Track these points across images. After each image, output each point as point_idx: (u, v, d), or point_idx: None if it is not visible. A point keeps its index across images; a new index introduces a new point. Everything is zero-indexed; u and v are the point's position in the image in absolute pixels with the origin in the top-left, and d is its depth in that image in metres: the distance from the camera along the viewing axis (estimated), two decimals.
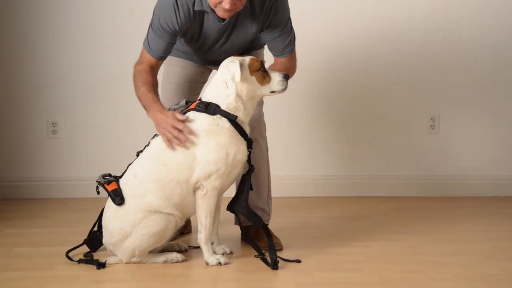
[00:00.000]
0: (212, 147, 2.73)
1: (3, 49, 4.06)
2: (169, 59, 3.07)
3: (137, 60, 2.94)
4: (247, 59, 2.80)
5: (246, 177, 2.88)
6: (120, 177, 2.86)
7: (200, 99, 2.84)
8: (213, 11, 2.81)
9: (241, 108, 2.79)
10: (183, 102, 2.88)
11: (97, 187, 2.87)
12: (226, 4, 2.70)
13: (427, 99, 4.23)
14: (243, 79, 2.74)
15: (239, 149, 2.79)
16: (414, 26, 4.16)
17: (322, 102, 4.18)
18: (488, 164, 4.30)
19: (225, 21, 2.85)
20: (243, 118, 2.81)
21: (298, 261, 2.88)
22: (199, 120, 2.77)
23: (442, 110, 4.24)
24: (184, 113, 2.81)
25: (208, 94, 2.82)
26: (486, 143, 4.29)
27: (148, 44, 2.90)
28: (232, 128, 2.77)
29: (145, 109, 2.87)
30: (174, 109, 2.86)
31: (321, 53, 4.15)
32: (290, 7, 4.14)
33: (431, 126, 4.25)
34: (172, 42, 2.89)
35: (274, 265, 2.79)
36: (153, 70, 2.91)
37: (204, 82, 3.20)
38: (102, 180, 2.84)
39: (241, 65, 2.74)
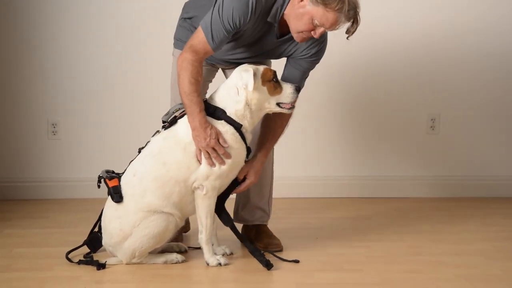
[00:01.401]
0: None
1: (3, 49, 4.06)
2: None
3: (190, 46, 2.73)
4: (261, 68, 2.78)
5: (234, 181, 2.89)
6: (122, 174, 2.85)
7: (206, 100, 2.84)
8: (275, 25, 2.77)
9: (248, 116, 2.78)
10: None
11: (99, 181, 2.85)
12: (316, 34, 2.69)
13: (427, 100, 4.23)
14: (254, 88, 2.73)
15: (238, 152, 2.79)
16: (414, 26, 4.16)
17: (323, 103, 4.18)
18: (488, 165, 4.30)
19: (280, 39, 2.83)
20: (248, 126, 2.80)
21: (297, 261, 2.88)
22: None
23: (442, 111, 4.25)
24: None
25: (218, 96, 2.81)
26: (486, 143, 4.29)
27: (212, 33, 2.70)
28: (236, 134, 2.77)
29: (185, 107, 2.75)
30: (179, 108, 2.84)
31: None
32: None
33: (431, 126, 4.25)
34: (229, 39, 2.77)
35: (268, 266, 2.79)
36: (203, 62, 2.78)
37: (211, 81, 3.17)
38: (105, 175, 2.83)
39: (255, 75, 2.72)
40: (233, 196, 3.08)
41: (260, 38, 2.85)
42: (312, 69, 2.98)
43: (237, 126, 2.77)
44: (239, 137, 2.78)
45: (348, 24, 2.70)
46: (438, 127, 4.25)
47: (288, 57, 2.95)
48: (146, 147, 2.86)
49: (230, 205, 3.17)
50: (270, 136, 2.97)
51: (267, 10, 2.73)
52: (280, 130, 2.99)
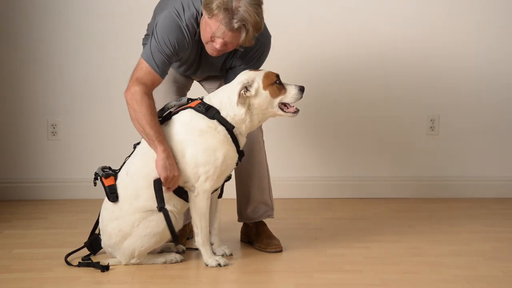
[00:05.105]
0: (202, 149, 2.73)
1: (2, 50, 4.06)
2: None
3: (136, 79, 2.77)
4: (262, 73, 2.79)
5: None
6: (119, 170, 2.85)
7: (201, 99, 2.84)
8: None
9: (247, 121, 2.79)
10: (184, 100, 2.87)
11: (95, 179, 2.85)
12: (216, 44, 2.74)
13: (426, 101, 4.24)
14: (255, 93, 2.74)
15: (228, 154, 2.78)
16: (414, 27, 4.17)
17: (322, 103, 4.18)
18: (488, 166, 4.30)
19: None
20: (244, 130, 2.81)
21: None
22: (197, 119, 2.76)
23: (442, 112, 4.25)
24: (183, 109, 2.81)
25: (217, 99, 2.80)
26: (485, 144, 4.29)
27: (155, 61, 2.78)
28: (228, 136, 2.77)
29: (152, 140, 2.71)
30: (175, 105, 2.85)
31: (321, 54, 4.15)
32: (288, 11, 4.15)
33: (431, 127, 4.25)
34: (171, 63, 2.86)
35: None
36: (152, 91, 2.82)
37: (188, 89, 3.23)
38: (101, 173, 2.83)
39: (253, 82, 2.74)
40: (231, 197, 3.10)
41: (204, 55, 2.93)
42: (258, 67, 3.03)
43: (229, 127, 2.77)
44: (230, 138, 2.77)
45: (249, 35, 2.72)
46: (438, 128, 4.25)
47: (229, 69, 3.03)
48: (140, 144, 2.86)
49: (232, 205, 3.18)
50: None
51: (195, 30, 2.82)
52: None
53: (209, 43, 2.78)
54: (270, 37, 2.98)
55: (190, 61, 2.98)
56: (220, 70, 3.05)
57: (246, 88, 2.74)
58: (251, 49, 2.92)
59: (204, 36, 2.78)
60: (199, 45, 2.90)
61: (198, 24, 2.81)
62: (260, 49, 2.94)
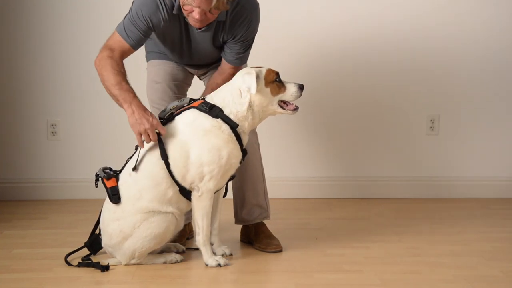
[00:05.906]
0: (207, 148, 2.73)
1: (2, 51, 4.06)
2: (153, 62, 3.13)
3: (105, 46, 2.85)
4: (264, 70, 2.80)
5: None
6: (120, 171, 2.85)
7: (203, 99, 2.84)
8: (183, 16, 2.87)
9: (250, 118, 2.79)
10: (186, 100, 2.86)
11: (96, 180, 2.85)
12: (196, 14, 2.74)
13: (426, 101, 4.24)
14: (257, 90, 2.75)
15: (233, 153, 2.78)
16: (414, 27, 4.17)
17: (321, 103, 4.18)
18: (488, 166, 4.30)
19: (201, 29, 2.90)
20: (246, 128, 2.81)
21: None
22: (201, 119, 2.76)
23: (442, 112, 4.25)
24: (186, 110, 2.81)
25: (219, 97, 2.81)
26: (485, 144, 4.29)
27: (126, 32, 2.84)
28: (232, 134, 2.77)
29: (118, 101, 2.78)
30: (177, 105, 2.85)
31: (320, 53, 4.15)
32: (288, 8, 4.16)
33: (431, 127, 4.25)
34: (146, 37, 2.89)
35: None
36: (122, 59, 2.85)
37: (189, 85, 3.24)
38: (102, 174, 2.82)
39: (257, 77, 2.74)
40: (230, 197, 3.10)
41: (192, 34, 2.93)
42: (250, 42, 3.02)
43: (233, 126, 2.77)
44: (234, 137, 2.78)
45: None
46: (438, 128, 4.25)
47: (224, 43, 3.03)
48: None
49: (228, 207, 3.18)
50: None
51: (172, 5, 2.84)
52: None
53: (189, 15, 2.78)
54: (258, 5, 2.97)
55: (178, 42, 2.98)
56: (215, 49, 3.02)
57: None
58: (238, 18, 2.90)
59: (184, 9, 2.78)
60: (181, 22, 2.90)
61: None
62: (247, 17, 2.92)
